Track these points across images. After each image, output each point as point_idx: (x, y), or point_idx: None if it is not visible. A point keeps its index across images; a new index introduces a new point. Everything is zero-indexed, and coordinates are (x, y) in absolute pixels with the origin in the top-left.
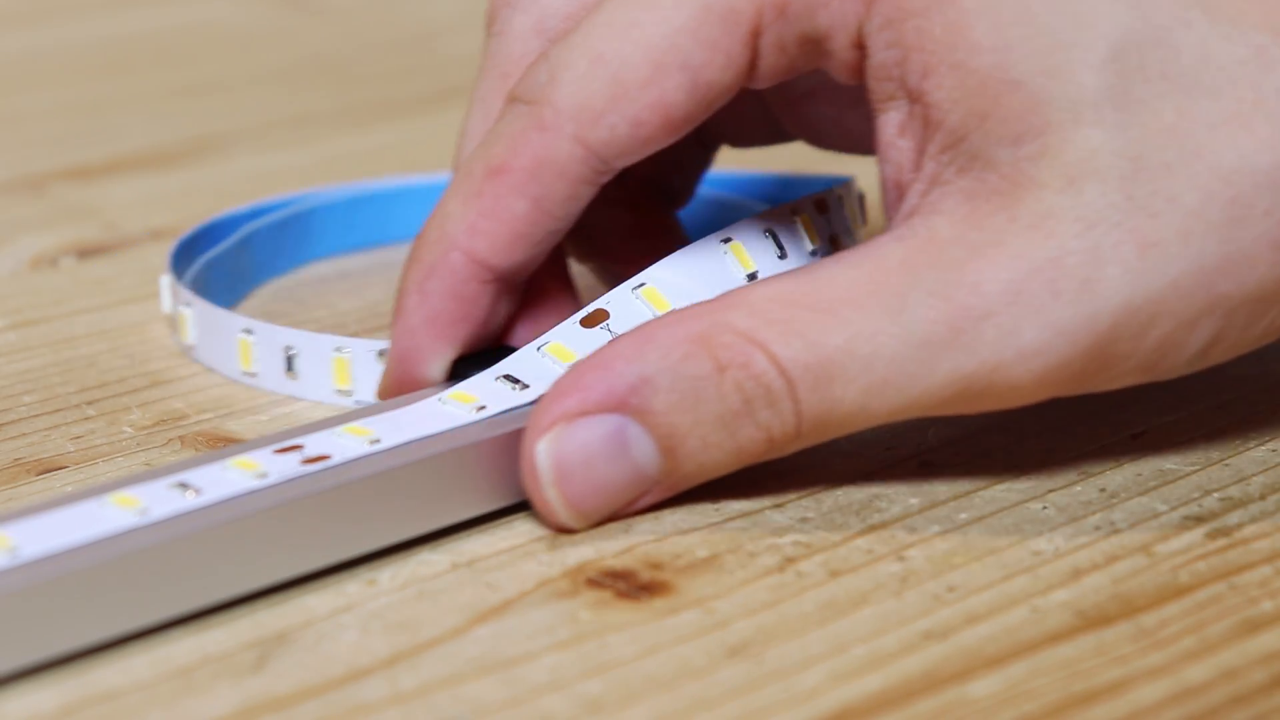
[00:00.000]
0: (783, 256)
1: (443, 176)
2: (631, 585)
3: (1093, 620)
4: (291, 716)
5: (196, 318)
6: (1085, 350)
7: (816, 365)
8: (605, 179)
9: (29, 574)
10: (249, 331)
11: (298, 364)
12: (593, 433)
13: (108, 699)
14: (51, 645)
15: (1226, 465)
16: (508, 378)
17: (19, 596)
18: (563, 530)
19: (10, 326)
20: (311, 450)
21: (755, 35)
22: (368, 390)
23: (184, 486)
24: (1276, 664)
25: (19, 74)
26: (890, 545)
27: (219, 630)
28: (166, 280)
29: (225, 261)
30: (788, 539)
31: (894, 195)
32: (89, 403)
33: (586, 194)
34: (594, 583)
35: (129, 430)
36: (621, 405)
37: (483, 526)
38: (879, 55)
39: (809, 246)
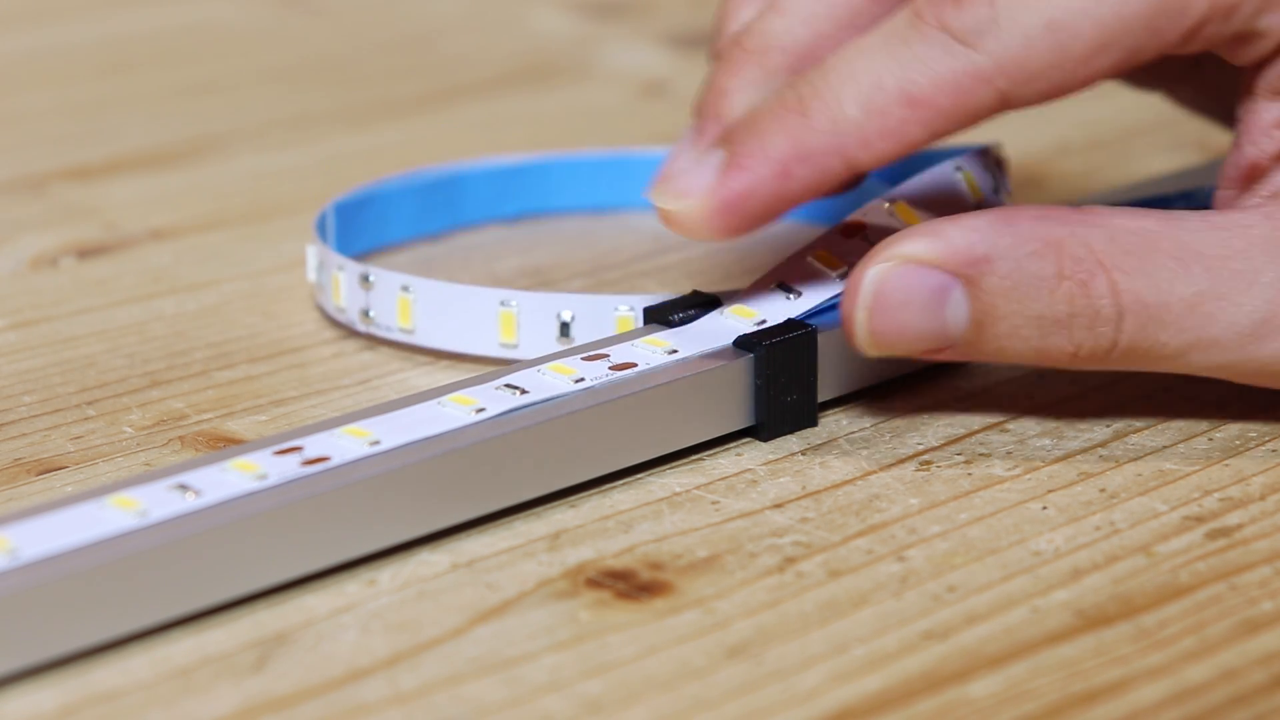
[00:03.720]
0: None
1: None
2: (631, 585)
3: (1093, 620)
4: (292, 717)
5: (348, 279)
6: None
7: (1154, 307)
8: None
9: (29, 576)
10: (406, 289)
11: (462, 319)
12: (922, 281)
13: (108, 699)
14: (52, 646)
15: (1226, 465)
16: (508, 386)
17: (19, 598)
18: (861, 350)
19: (10, 326)
20: (311, 452)
21: (1197, 28)
22: (533, 345)
23: (184, 488)
24: (1276, 664)
25: (19, 74)
26: (890, 545)
27: (219, 630)
28: (313, 249)
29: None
30: (788, 539)
31: (1247, 172)
32: (89, 403)
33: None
34: (594, 583)
35: (129, 430)
36: (958, 270)
37: (483, 527)
38: None
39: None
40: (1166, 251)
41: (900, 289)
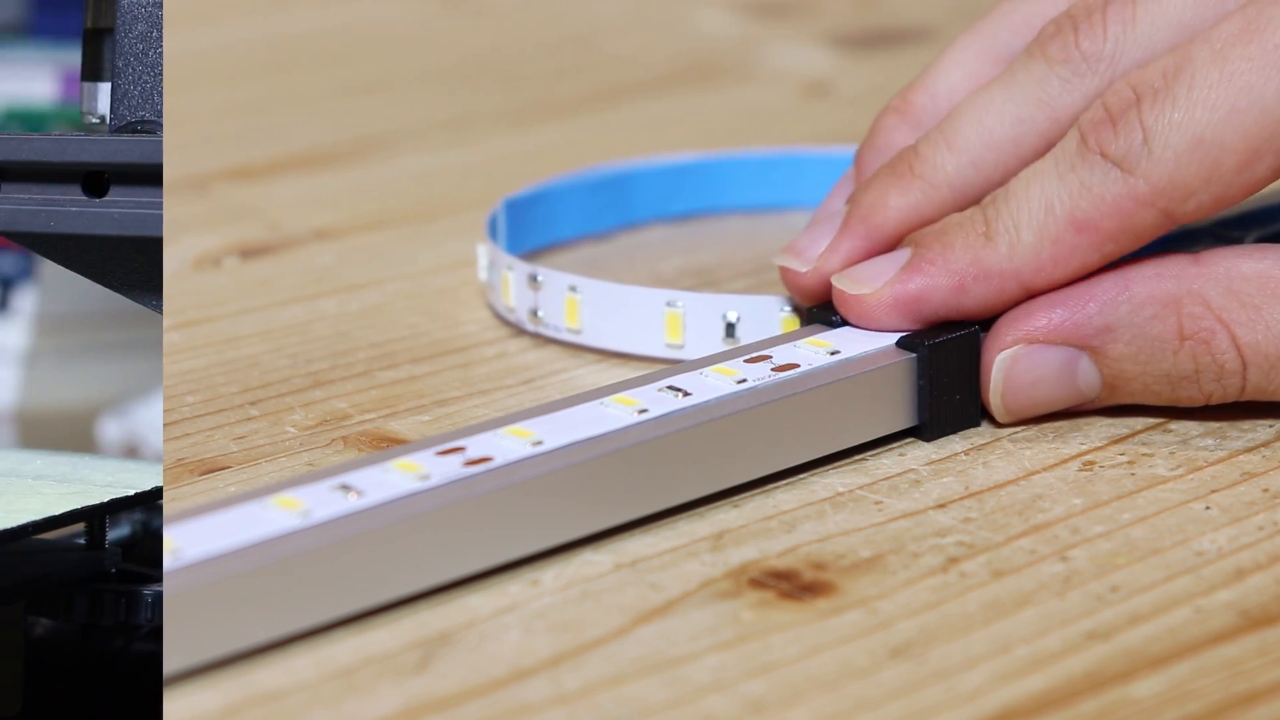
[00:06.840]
0: None
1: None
2: (794, 585)
3: (1256, 620)
4: (454, 717)
5: (517, 279)
6: None
7: (1276, 355)
8: None
9: (193, 576)
10: (574, 289)
11: (628, 319)
12: (1048, 360)
13: (271, 699)
14: (214, 647)
15: None
16: (671, 388)
17: (182, 598)
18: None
19: (174, 326)
20: (474, 452)
21: None
22: (698, 345)
23: (346, 488)
24: None
25: (183, 74)
26: (1053, 545)
27: (382, 631)
28: (484, 248)
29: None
30: (951, 539)
31: None
32: (252, 403)
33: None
34: (757, 583)
35: (292, 430)
36: (1082, 344)
37: (646, 527)
38: None
39: None
40: None
41: (1029, 369)
